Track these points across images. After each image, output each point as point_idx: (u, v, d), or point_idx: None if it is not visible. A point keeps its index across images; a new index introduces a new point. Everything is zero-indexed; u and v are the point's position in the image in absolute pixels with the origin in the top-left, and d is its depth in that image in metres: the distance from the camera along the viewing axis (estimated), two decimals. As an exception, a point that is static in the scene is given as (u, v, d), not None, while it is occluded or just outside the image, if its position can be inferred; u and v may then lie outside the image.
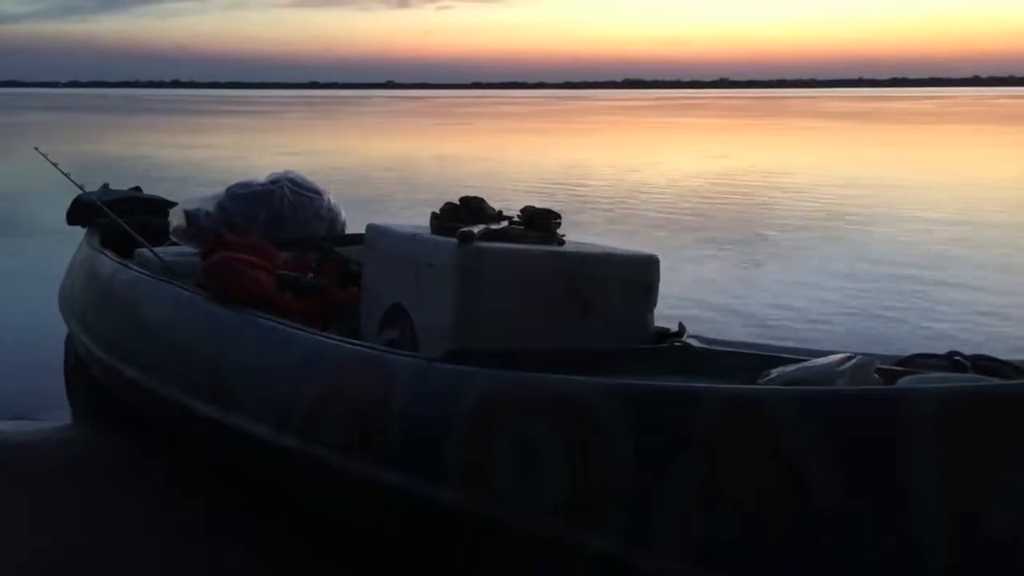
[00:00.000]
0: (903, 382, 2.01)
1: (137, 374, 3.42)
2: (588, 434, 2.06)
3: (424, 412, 2.39)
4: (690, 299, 5.63)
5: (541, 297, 2.71)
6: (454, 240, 2.70)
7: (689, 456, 1.91)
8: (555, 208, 3.02)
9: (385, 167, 16.81)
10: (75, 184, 4.86)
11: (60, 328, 4.57)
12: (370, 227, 3.21)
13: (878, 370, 2.15)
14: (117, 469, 3.41)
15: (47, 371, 4.51)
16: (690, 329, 2.85)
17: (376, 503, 2.51)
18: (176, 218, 4.22)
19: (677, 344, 2.73)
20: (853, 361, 2.07)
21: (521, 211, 2.99)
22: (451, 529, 2.34)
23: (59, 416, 4.01)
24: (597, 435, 2.04)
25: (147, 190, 5.29)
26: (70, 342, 4.54)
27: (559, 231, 2.94)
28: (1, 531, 2.87)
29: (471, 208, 3.00)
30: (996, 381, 2.02)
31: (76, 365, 4.35)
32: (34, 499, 3.12)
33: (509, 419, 2.21)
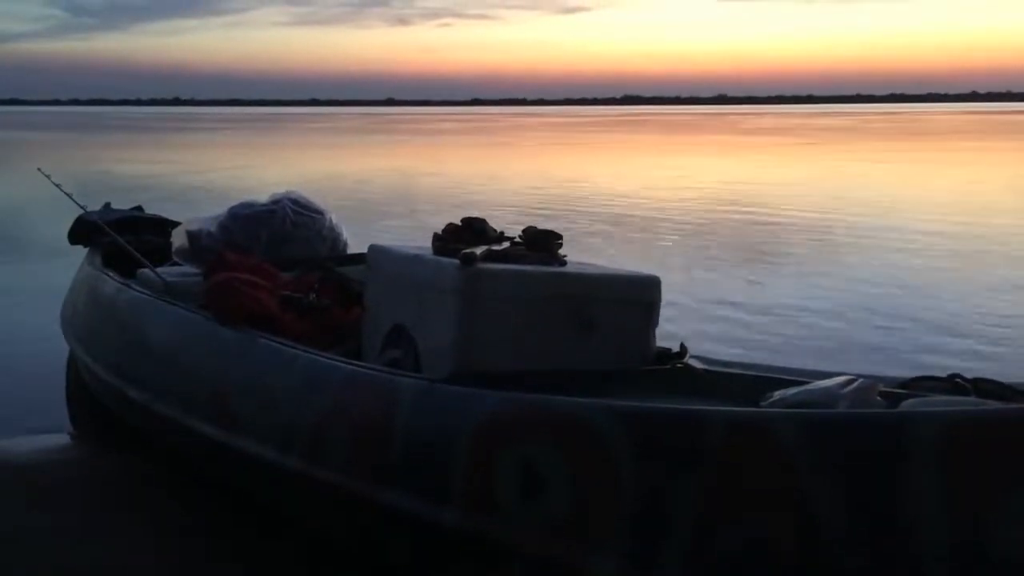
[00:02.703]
0: (906, 405, 2.02)
1: (139, 394, 3.42)
2: (592, 456, 2.06)
3: (427, 433, 2.40)
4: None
5: (543, 318, 2.71)
6: (456, 261, 2.70)
7: (693, 479, 1.92)
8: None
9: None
10: (77, 204, 4.87)
11: (62, 347, 4.57)
12: (372, 248, 3.21)
13: (880, 392, 2.15)
14: (118, 489, 3.40)
15: (48, 390, 4.50)
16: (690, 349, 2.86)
17: (379, 524, 2.51)
18: (179, 238, 4.23)
19: (679, 365, 2.74)
20: (855, 384, 2.08)
21: (523, 232, 3.00)
22: (455, 551, 2.34)
23: (60, 435, 4.01)
24: (601, 457, 2.04)
25: (148, 209, 5.30)
26: (72, 361, 4.54)
27: (560, 252, 2.95)
28: (0, 551, 2.86)
29: (473, 229, 3.01)
30: (999, 404, 2.02)
31: (77, 384, 4.35)
32: (34, 519, 3.11)
33: (513, 441, 2.21)
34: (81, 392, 4.27)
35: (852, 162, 22.89)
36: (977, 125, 53.76)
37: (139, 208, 5.26)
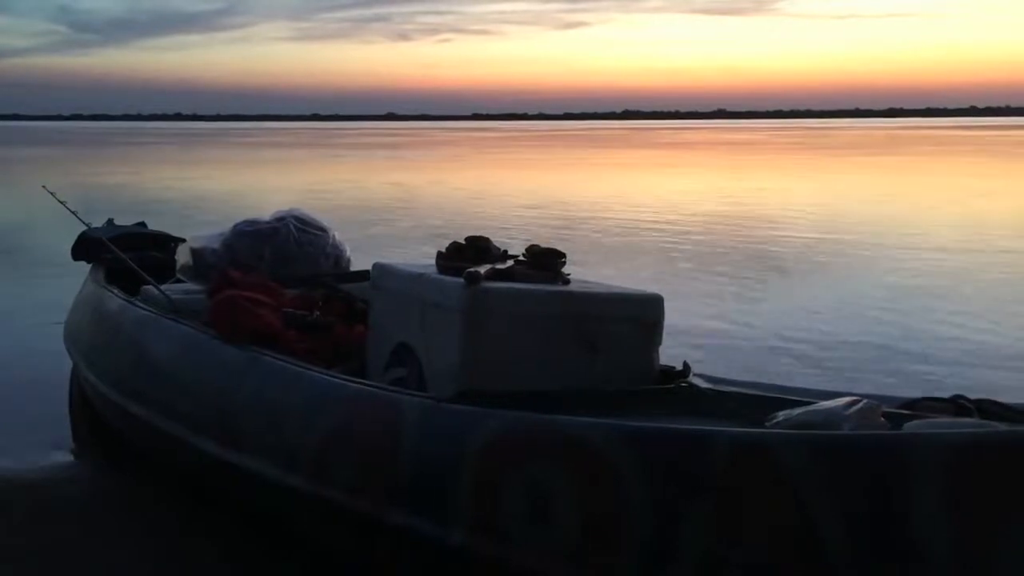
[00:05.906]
0: (910, 427, 2.03)
1: (143, 411, 3.42)
2: (597, 476, 2.07)
3: (433, 452, 2.40)
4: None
5: (548, 337, 2.72)
6: (461, 280, 2.71)
7: (699, 499, 1.92)
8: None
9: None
10: (82, 222, 4.88)
11: (65, 363, 4.57)
12: (376, 266, 3.22)
13: (884, 413, 2.16)
14: (120, 507, 3.39)
15: (51, 406, 4.49)
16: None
17: (384, 543, 2.51)
18: (183, 255, 4.23)
19: (683, 384, 2.74)
20: (859, 405, 2.09)
21: (526, 250, 3.00)
22: (459, 570, 2.34)
23: (62, 452, 4.00)
24: (606, 477, 2.05)
25: (151, 225, 5.31)
26: (75, 377, 4.54)
27: (564, 270, 2.96)
28: (3, 571, 2.86)
29: (477, 248, 3.02)
30: (1003, 427, 2.03)
31: (81, 401, 4.35)
32: (36, 537, 3.11)
33: (518, 460, 2.21)
34: (84, 408, 4.26)
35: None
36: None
37: (142, 224, 5.27)
